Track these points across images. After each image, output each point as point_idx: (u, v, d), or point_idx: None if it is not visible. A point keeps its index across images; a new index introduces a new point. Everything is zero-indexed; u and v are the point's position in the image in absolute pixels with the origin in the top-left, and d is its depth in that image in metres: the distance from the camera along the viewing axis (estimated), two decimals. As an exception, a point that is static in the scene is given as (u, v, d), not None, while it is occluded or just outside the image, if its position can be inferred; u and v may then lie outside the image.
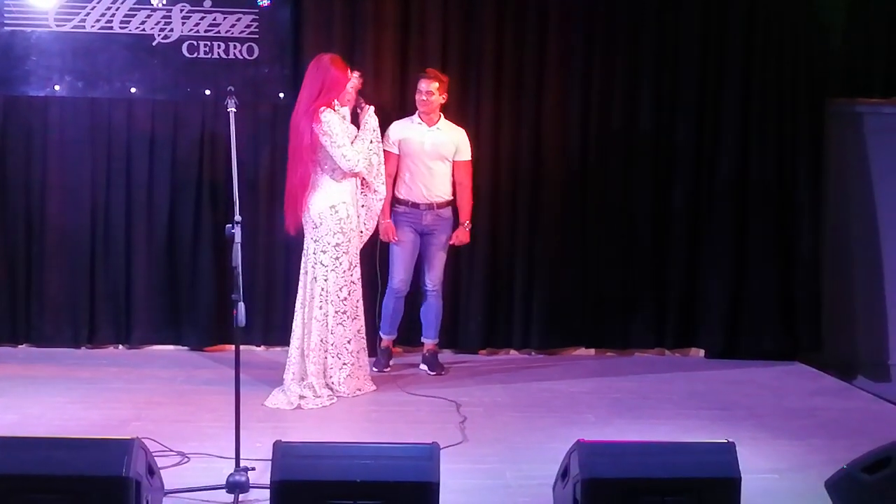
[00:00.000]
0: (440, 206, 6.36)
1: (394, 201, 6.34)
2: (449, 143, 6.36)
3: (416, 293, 6.50)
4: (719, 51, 7.01)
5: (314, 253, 5.71)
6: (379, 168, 5.92)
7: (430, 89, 6.25)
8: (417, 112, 6.35)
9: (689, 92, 7.02)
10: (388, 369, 6.38)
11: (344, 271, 5.72)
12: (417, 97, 6.33)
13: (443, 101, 6.34)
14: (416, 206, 6.31)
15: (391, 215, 6.31)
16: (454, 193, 6.42)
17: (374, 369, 6.29)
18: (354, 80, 5.95)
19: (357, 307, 5.80)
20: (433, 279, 6.42)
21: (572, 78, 6.97)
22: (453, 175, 6.40)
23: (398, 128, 6.37)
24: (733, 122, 7.03)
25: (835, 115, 7.08)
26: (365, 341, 5.92)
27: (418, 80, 6.36)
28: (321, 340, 5.70)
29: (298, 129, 5.71)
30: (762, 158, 7.04)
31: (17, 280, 6.79)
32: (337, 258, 5.70)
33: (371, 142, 5.86)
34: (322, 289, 5.69)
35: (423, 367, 6.51)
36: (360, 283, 5.86)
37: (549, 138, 6.99)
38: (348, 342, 5.75)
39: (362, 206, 5.94)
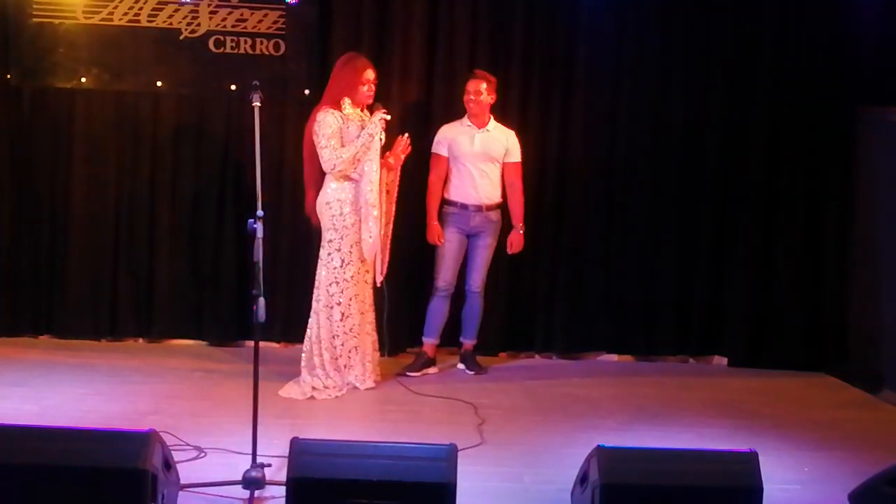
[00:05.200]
0: (489, 207, 6.35)
1: (443, 202, 6.35)
2: (499, 144, 6.35)
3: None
4: (749, 57, 6.94)
5: (320, 247, 5.83)
6: (371, 176, 5.74)
7: (479, 89, 6.25)
8: (467, 114, 6.33)
9: (719, 98, 6.96)
10: (418, 374, 6.31)
11: (335, 268, 5.76)
12: (465, 98, 6.32)
13: (491, 102, 6.32)
14: (464, 207, 6.31)
15: (439, 217, 6.34)
16: (504, 196, 6.40)
17: (409, 372, 6.29)
18: (368, 80, 5.84)
19: (350, 305, 5.78)
20: (476, 280, 6.42)
21: (601, 82, 6.93)
22: (503, 177, 6.38)
23: (448, 130, 6.37)
24: (762, 129, 6.96)
25: (866, 123, 6.98)
26: (359, 340, 5.86)
27: (466, 82, 6.34)
28: (314, 333, 5.80)
29: (308, 127, 5.84)
30: (791, 166, 6.97)
31: (39, 271, 6.81)
32: (329, 254, 5.78)
33: (364, 146, 5.71)
34: (318, 282, 5.80)
35: (461, 366, 6.51)
36: (357, 282, 5.81)
37: (576, 142, 6.95)
38: (334, 337, 5.78)
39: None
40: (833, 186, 6.99)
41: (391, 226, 6.05)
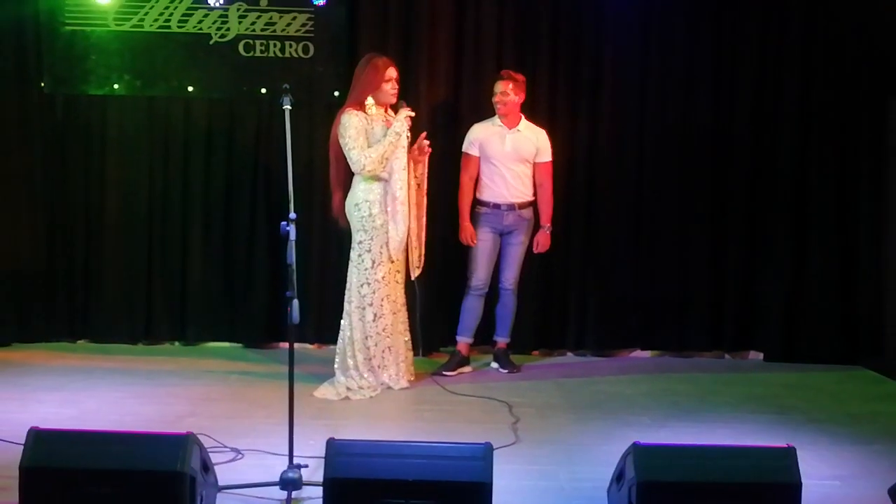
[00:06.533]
0: (521, 206, 6.36)
1: (475, 202, 6.36)
2: (530, 145, 6.35)
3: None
4: (778, 48, 6.89)
5: (351, 248, 5.84)
6: (400, 174, 5.77)
7: (506, 90, 6.25)
8: (497, 114, 6.34)
9: (748, 90, 6.91)
10: (453, 374, 6.32)
11: (366, 269, 5.77)
12: (494, 100, 6.32)
13: (520, 101, 6.32)
14: (497, 207, 6.33)
15: (472, 217, 6.36)
16: (535, 194, 6.40)
17: (444, 372, 6.30)
18: (392, 78, 5.83)
19: (382, 305, 5.80)
20: (509, 278, 6.43)
21: (628, 79, 6.91)
22: (534, 176, 6.39)
23: (479, 130, 6.37)
24: (793, 122, 6.91)
25: (899, 113, 6.93)
26: (392, 340, 5.86)
27: (494, 83, 6.35)
28: (347, 335, 5.83)
29: (333, 129, 5.84)
30: (823, 159, 6.91)
31: (75, 277, 6.90)
32: (360, 255, 5.80)
33: (392, 145, 5.72)
34: (349, 284, 5.82)
35: (495, 364, 6.52)
36: (388, 282, 5.81)
37: (605, 137, 6.93)
38: (367, 338, 5.80)
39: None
40: (865, 178, 6.92)
41: (424, 218, 6.03)
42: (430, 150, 5.98)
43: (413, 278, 6.01)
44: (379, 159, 5.72)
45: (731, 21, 6.91)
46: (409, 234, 5.86)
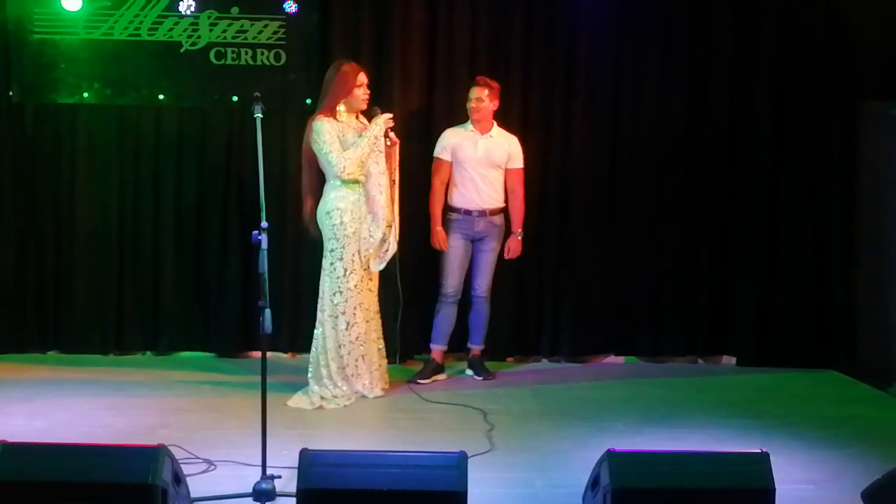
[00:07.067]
0: (493, 212, 6.36)
1: (446, 209, 6.37)
2: (501, 150, 6.36)
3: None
4: (750, 53, 6.94)
5: (323, 257, 5.83)
6: (378, 178, 5.80)
7: (480, 96, 6.27)
8: (470, 120, 6.34)
9: (721, 95, 6.95)
10: (428, 382, 6.29)
11: (338, 277, 5.76)
12: (468, 105, 6.33)
13: (494, 108, 6.34)
14: (468, 213, 6.33)
15: (443, 223, 6.35)
16: (506, 200, 6.40)
17: (419, 380, 6.28)
18: (363, 83, 5.85)
19: (354, 313, 5.78)
20: (482, 285, 6.43)
21: (601, 85, 6.92)
22: (506, 182, 6.39)
23: (451, 135, 6.38)
24: (765, 125, 6.95)
25: (869, 117, 6.98)
26: (366, 348, 5.85)
27: (468, 89, 6.36)
28: (320, 343, 5.81)
29: (305, 137, 5.84)
30: (795, 163, 6.96)
31: (45, 287, 6.82)
32: (332, 263, 5.78)
33: (370, 147, 5.76)
34: (322, 292, 5.81)
35: (469, 372, 6.51)
36: (361, 291, 5.79)
37: (578, 143, 6.94)
38: (340, 347, 5.78)
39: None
40: (837, 182, 6.98)
41: (398, 209, 5.98)
42: (398, 140, 5.96)
43: (372, 269, 5.91)
44: (358, 161, 5.73)
45: (705, 28, 6.94)
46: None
